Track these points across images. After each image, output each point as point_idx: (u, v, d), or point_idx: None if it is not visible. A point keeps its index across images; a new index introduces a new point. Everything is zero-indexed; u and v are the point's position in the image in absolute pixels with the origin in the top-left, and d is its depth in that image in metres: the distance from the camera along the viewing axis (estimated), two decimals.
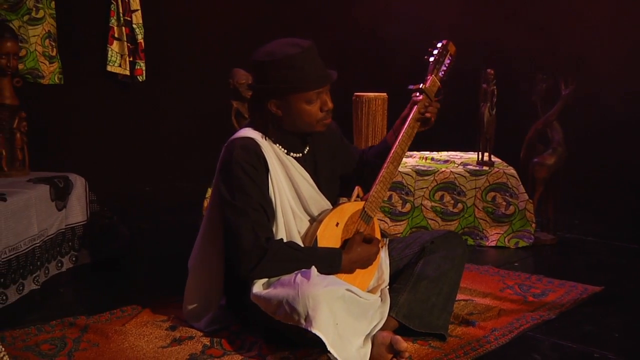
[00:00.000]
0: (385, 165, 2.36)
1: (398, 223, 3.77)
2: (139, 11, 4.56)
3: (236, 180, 2.21)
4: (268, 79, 2.23)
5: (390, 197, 3.75)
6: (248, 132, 2.30)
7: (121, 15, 4.47)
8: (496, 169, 3.79)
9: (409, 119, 2.40)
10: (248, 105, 2.41)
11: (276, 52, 2.21)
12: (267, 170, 2.25)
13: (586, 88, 4.08)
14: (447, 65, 2.47)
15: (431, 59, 2.46)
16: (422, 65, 2.48)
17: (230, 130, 3.35)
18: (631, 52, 5.17)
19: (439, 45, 2.47)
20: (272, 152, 2.28)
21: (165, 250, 3.67)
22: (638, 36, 5.08)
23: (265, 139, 2.29)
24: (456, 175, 3.78)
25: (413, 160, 4.06)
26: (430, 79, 2.43)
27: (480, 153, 3.89)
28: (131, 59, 4.56)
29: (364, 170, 2.55)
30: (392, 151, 2.37)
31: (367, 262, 2.33)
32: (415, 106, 2.40)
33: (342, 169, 2.52)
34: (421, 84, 2.42)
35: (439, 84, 2.44)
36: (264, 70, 2.24)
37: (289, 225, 2.27)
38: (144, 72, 4.60)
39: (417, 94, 2.42)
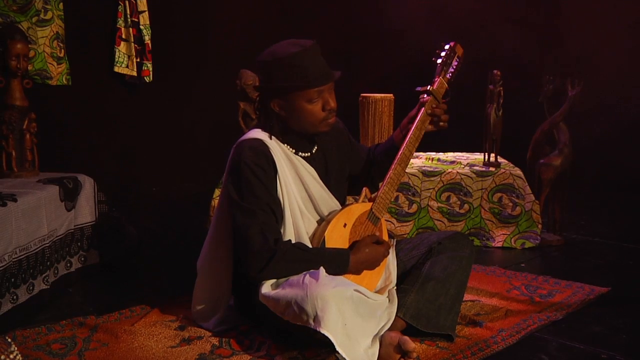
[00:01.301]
0: (393, 166, 2.37)
1: (405, 224, 3.78)
2: (146, 12, 4.57)
3: (245, 182, 2.23)
4: (270, 78, 2.25)
5: (396, 198, 3.76)
6: (256, 134, 2.31)
7: (128, 16, 4.48)
8: (502, 170, 3.79)
9: (416, 121, 2.41)
10: (255, 107, 2.43)
11: (278, 52, 2.23)
12: (275, 171, 2.26)
13: (593, 89, 4.08)
14: (454, 67, 2.47)
15: (439, 60, 2.47)
16: (430, 67, 2.49)
17: (238, 132, 3.37)
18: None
19: (447, 47, 2.47)
20: (280, 152, 2.30)
21: (173, 250, 3.68)
22: None
23: (274, 140, 2.30)
24: (462, 176, 3.78)
25: (419, 161, 4.06)
26: (437, 80, 2.44)
27: (486, 154, 3.89)
28: (138, 60, 4.56)
29: (371, 169, 2.57)
30: (400, 153, 2.38)
31: (374, 263, 2.33)
32: (423, 108, 2.41)
33: (350, 168, 2.53)
34: (429, 86, 2.43)
35: (447, 85, 2.45)
36: (266, 70, 2.26)
37: (298, 226, 2.28)
38: (151, 73, 4.61)
39: (425, 95, 2.43)
